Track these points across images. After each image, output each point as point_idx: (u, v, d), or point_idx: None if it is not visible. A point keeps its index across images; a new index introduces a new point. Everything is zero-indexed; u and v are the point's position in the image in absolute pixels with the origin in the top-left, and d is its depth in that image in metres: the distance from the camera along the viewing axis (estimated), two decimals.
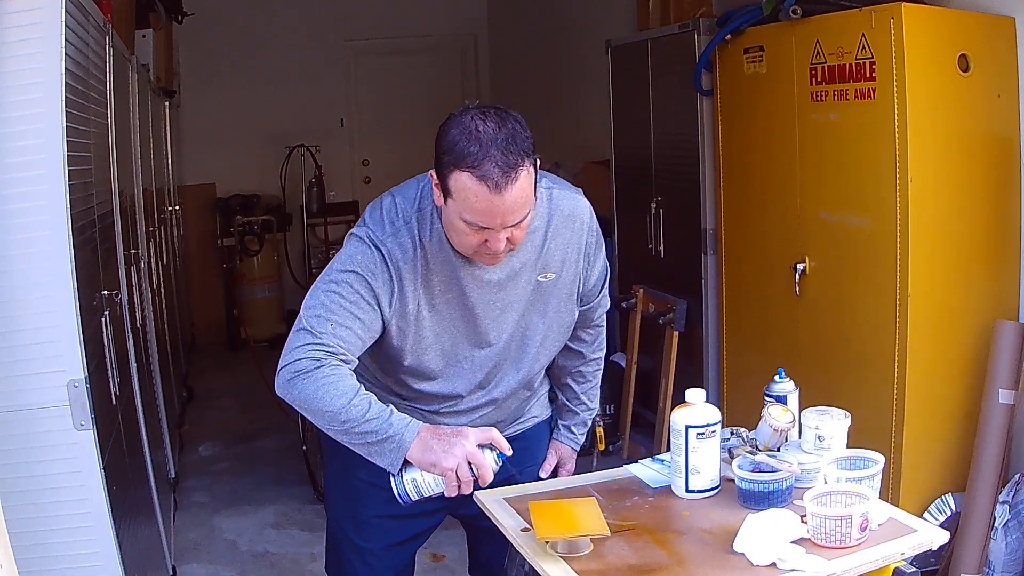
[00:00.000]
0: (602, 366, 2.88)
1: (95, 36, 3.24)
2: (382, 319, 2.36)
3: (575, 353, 2.79)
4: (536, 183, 2.27)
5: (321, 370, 2.25)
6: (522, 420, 2.76)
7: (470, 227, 2.22)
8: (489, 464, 2.24)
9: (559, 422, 2.87)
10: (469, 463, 2.22)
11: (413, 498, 2.30)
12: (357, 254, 2.35)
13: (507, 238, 2.24)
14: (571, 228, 2.50)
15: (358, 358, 2.36)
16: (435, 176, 2.26)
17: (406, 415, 2.30)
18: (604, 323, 2.81)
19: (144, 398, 3.83)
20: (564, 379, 2.84)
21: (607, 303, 2.77)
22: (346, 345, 2.30)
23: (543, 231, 2.46)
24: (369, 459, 2.30)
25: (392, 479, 2.30)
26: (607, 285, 2.72)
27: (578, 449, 2.89)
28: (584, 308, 2.67)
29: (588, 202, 2.58)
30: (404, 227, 2.37)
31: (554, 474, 2.82)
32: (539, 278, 2.48)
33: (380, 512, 2.63)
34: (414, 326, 2.40)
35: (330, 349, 2.28)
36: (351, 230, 2.44)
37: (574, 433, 2.86)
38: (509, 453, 2.29)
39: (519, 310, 2.49)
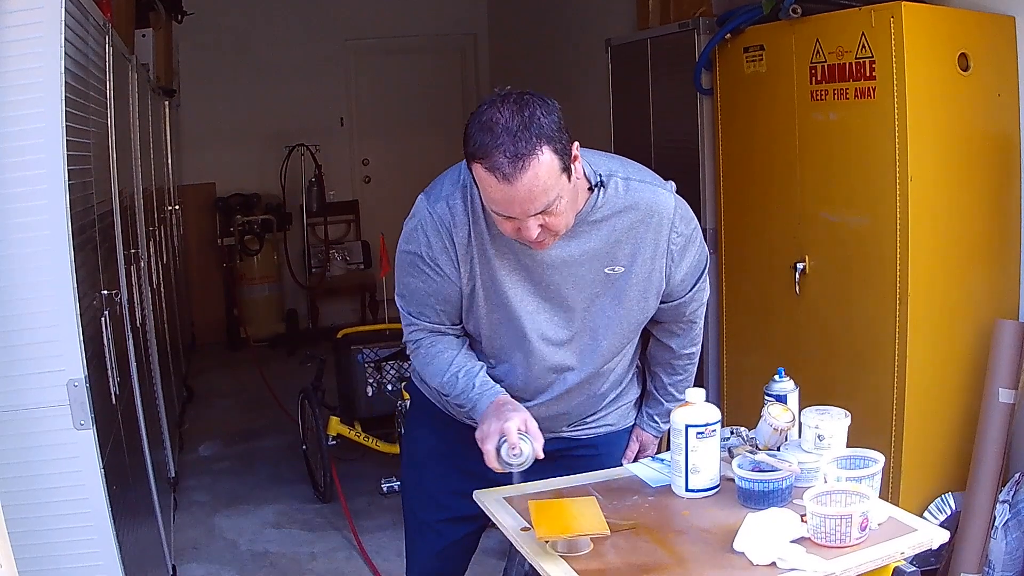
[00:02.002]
0: (696, 361, 2.77)
1: (95, 35, 3.24)
2: (458, 282, 2.41)
3: (665, 347, 2.71)
4: (570, 167, 2.19)
5: (420, 350, 2.53)
6: (593, 423, 2.70)
7: (499, 215, 2.22)
8: (490, 449, 2.31)
9: (644, 408, 2.79)
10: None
11: (508, 469, 2.36)
12: (415, 222, 2.42)
13: (541, 225, 2.20)
14: (646, 223, 2.42)
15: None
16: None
17: (490, 389, 2.44)
18: (700, 319, 2.72)
19: (144, 398, 3.83)
20: (654, 367, 2.76)
21: (703, 297, 2.67)
22: (434, 317, 2.49)
23: (611, 222, 2.39)
24: None
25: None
26: (705, 277, 2.63)
27: (659, 437, 2.85)
28: (672, 303, 2.58)
29: (679, 198, 2.51)
30: (459, 190, 2.37)
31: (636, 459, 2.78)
32: (606, 270, 2.42)
33: (438, 487, 2.74)
34: (473, 293, 2.42)
35: (422, 326, 2.51)
36: (417, 199, 2.47)
37: (656, 422, 2.78)
38: (539, 454, 2.31)
39: (582, 299, 2.44)
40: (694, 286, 2.59)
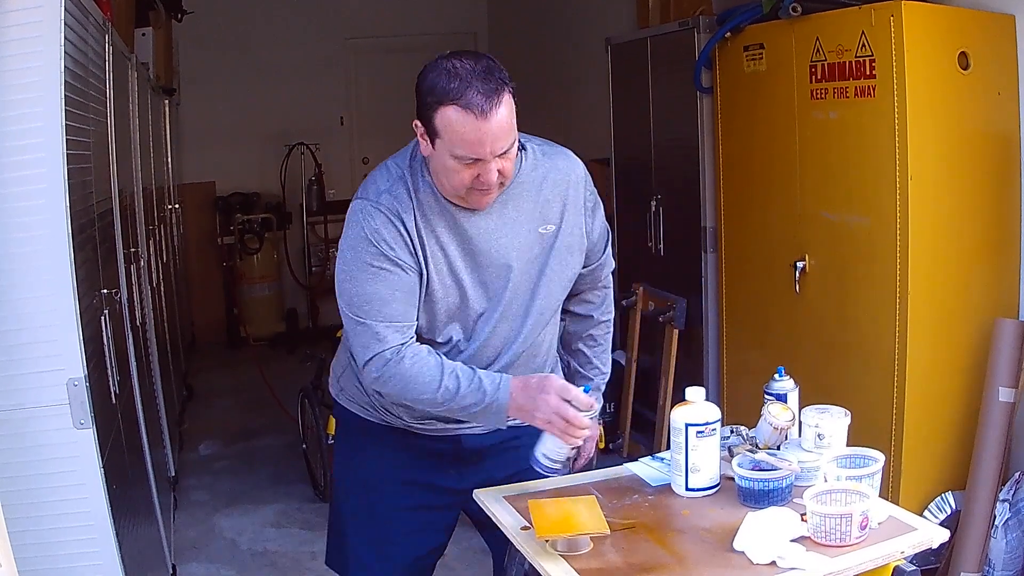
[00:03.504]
0: (611, 330, 2.83)
1: (94, 35, 3.24)
2: (418, 274, 2.38)
3: (584, 317, 2.76)
4: (521, 143, 2.35)
5: (402, 363, 2.34)
6: None
7: (461, 163, 2.26)
8: (575, 413, 2.27)
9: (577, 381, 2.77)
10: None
11: (554, 467, 2.36)
12: (359, 225, 2.37)
13: (499, 170, 2.28)
14: (567, 181, 2.51)
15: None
16: (419, 125, 2.31)
17: (494, 375, 2.36)
18: (611, 285, 2.79)
19: (144, 397, 3.83)
20: (575, 345, 2.79)
21: (611, 263, 2.76)
22: (404, 319, 2.37)
23: (538, 183, 2.47)
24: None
25: (533, 464, 2.37)
26: (609, 245, 2.72)
27: (599, 421, 2.87)
28: (589, 268, 2.65)
29: (580, 160, 2.60)
30: (398, 181, 2.40)
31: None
32: (540, 230, 2.48)
33: (396, 504, 2.65)
34: (426, 277, 2.40)
35: (395, 332, 2.35)
36: (349, 209, 2.44)
37: (599, 389, 2.79)
38: (594, 407, 2.33)
39: (520, 261, 2.46)
40: (605, 248, 2.70)
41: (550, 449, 2.34)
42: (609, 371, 2.85)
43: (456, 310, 2.45)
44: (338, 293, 2.42)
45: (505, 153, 2.28)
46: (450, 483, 2.64)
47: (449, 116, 2.22)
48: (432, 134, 2.28)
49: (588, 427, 2.30)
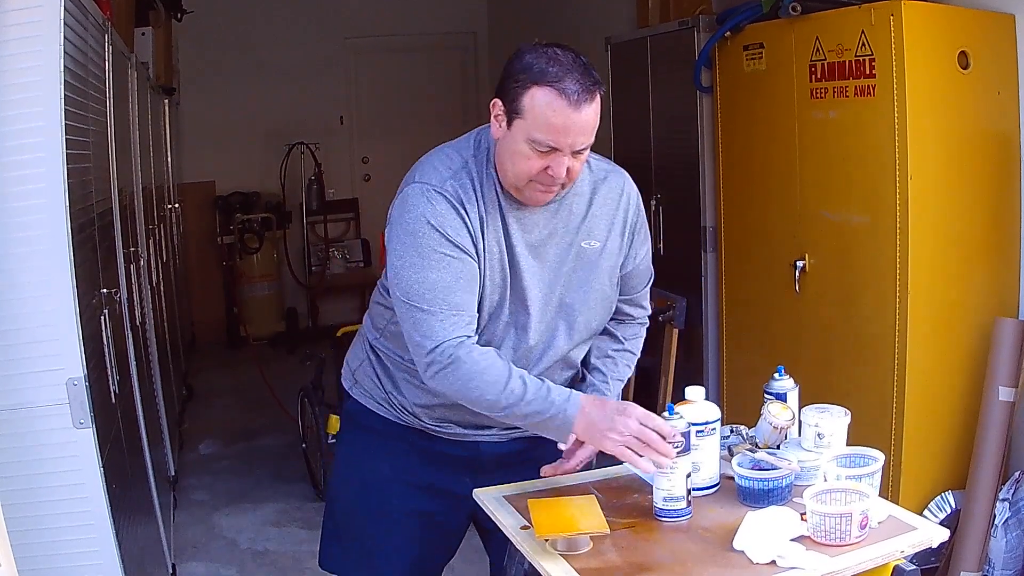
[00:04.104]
0: (633, 364, 2.73)
1: (94, 34, 3.23)
2: (478, 263, 2.33)
3: (613, 337, 2.69)
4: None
5: (470, 355, 2.24)
6: None
7: (537, 149, 2.22)
8: (658, 438, 2.19)
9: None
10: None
11: (679, 506, 2.26)
12: (419, 208, 2.30)
13: (568, 168, 2.24)
14: (617, 200, 2.49)
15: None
16: (499, 104, 2.26)
17: (561, 387, 2.29)
18: (646, 323, 2.74)
19: (144, 396, 3.83)
20: (594, 361, 2.68)
21: (648, 306, 2.72)
22: (468, 308, 2.30)
23: (588, 196, 2.44)
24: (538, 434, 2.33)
25: (658, 516, 2.28)
26: (648, 289, 2.68)
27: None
28: (626, 299, 2.62)
29: (635, 186, 2.58)
30: (462, 169, 2.35)
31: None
32: (583, 244, 2.44)
33: (404, 508, 2.61)
34: (483, 272, 2.36)
35: (460, 322, 2.27)
36: (400, 192, 2.37)
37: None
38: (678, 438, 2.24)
39: (560, 273, 2.43)
40: (645, 286, 2.68)
41: (666, 488, 2.25)
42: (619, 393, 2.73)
43: (497, 309, 2.40)
44: (394, 281, 2.33)
45: (580, 152, 2.25)
46: (463, 490, 2.55)
47: (542, 96, 2.18)
48: (514, 113, 2.23)
49: (671, 456, 2.20)
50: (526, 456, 2.55)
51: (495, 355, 2.29)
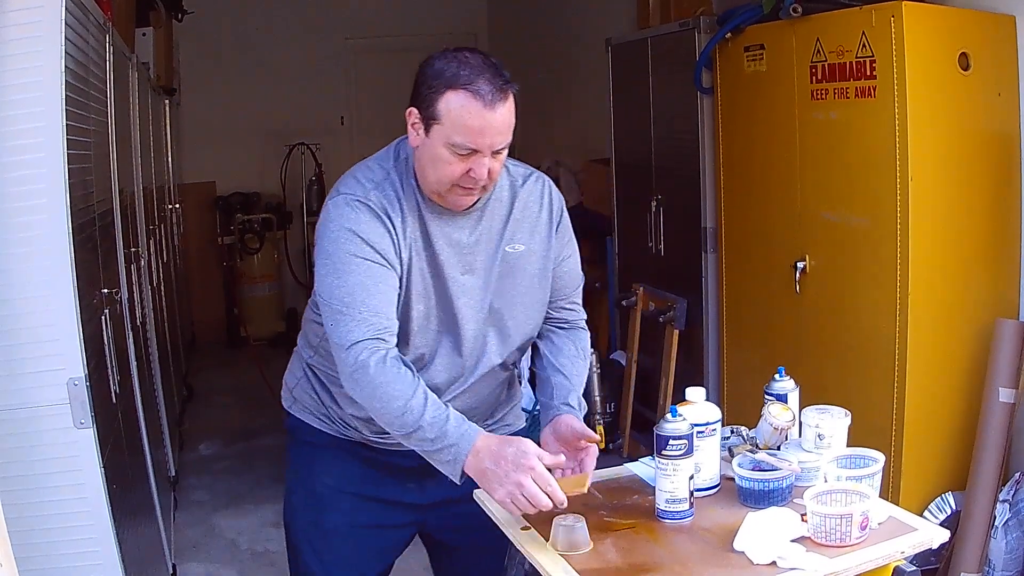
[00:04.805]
0: (586, 367, 2.67)
1: (95, 34, 3.24)
2: (398, 276, 2.33)
3: (556, 347, 2.63)
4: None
5: (384, 365, 2.20)
6: (495, 421, 2.65)
7: (456, 153, 2.23)
8: (548, 503, 2.13)
9: (555, 402, 2.56)
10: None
11: (682, 508, 2.25)
12: (344, 219, 2.31)
13: (489, 169, 2.26)
14: (539, 202, 2.50)
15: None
16: (415, 112, 2.28)
17: (464, 420, 2.22)
18: (587, 335, 2.69)
19: (144, 396, 3.83)
20: (547, 369, 2.62)
21: (582, 308, 2.69)
22: (387, 313, 2.27)
23: (508, 201, 2.46)
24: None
25: (660, 517, 2.26)
26: (580, 295, 2.66)
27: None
28: (560, 304, 2.60)
29: (560, 193, 2.59)
30: (385, 181, 2.37)
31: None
32: (508, 249, 2.45)
33: (348, 520, 2.58)
34: (405, 281, 2.36)
35: (379, 324, 2.24)
36: (325, 204, 2.40)
37: (573, 406, 2.53)
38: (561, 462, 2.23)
39: (490, 280, 2.44)
40: (574, 292, 2.64)
41: (669, 489, 2.24)
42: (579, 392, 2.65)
43: (424, 320, 2.39)
44: (318, 289, 2.33)
45: (499, 153, 2.27)
46: (411, 498, 2.57)
47: (456, 100, 2.20)
48: (431, 119, 2.24)
49: (547, 506, 2.13)
50: None
51: (407, 372, 2.23)
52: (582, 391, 2.60)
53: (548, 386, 2.56)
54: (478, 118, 2.20)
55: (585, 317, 2.70)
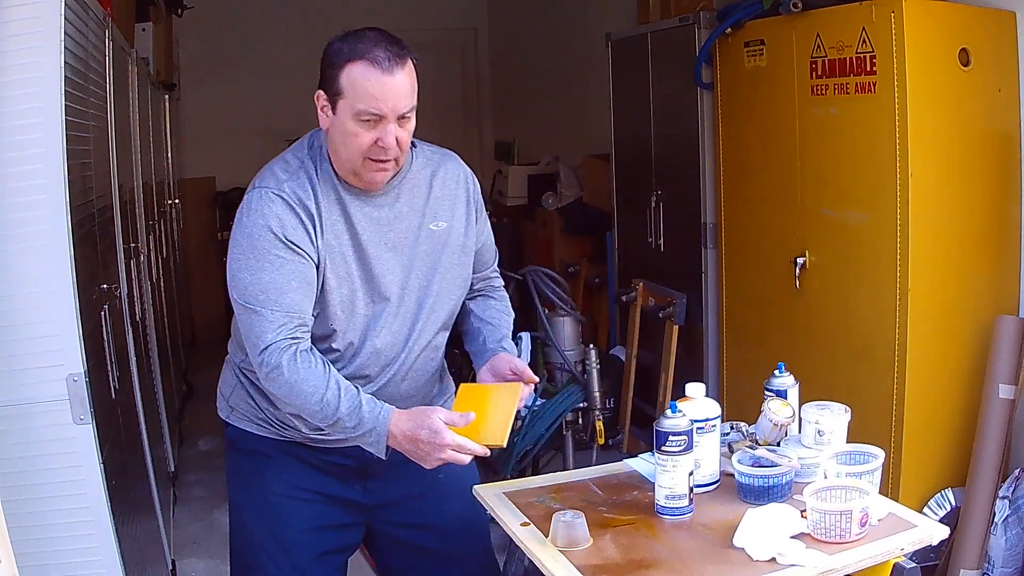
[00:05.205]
0: (511, 321, 2.76)
1: (95, 30, 3.23)
2: (315, 264, 2.36)
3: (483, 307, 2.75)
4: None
5: (295, 361, 2.28)
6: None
7: (362, 124, 2.30)
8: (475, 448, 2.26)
9: (489, 344, 2.65)
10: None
11: (681, 503, 2.29)
12: (258, 212, 2.35)
13: (397, 138, 2.31)
14: (456, 180, 2.57)
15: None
16: (322, 95, 2.37)
17: (375, 402, 2.31)
18: (508, 299, 2.80)
19: (143, 392, 3.83)
20: (476, 324, 2.70)
21: (501, 280, 2.82)
22: (301, 310, 2.33)
23: (427, 179, 2.52)
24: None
25: (659, 512, 2.31)
26: (496, 260, 2.79)
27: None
28: (481, 276, 2.71)
29: (468, 167, 2.68)
30: (299, 170, 2.42)
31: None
32: (431, 227, 2.50)
33: (302, 526, 2.57)
34: (325, 268, 2.38)
35: (291, 323, 2.31)
36: (244, 199, 2.43)
37: (507, 349, 2.62)
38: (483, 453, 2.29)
39: (414, 257, 2.47)
40: (493, 261, 2.77)
41: (668, 486, 2.26)
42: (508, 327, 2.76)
43: (350, 304, 2.41)
44: (231, 284, 2.38)
45: (405, 118, 2.32)
46: (355, 496, 2.58)
47: (355, 71, 2.28)
48: (335, 95, 2.32)
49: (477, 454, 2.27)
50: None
51: (318, 362, 2.31)
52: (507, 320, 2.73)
53: (480, 335, 2.66)
54: (377, 84, 2.27)
55: (503, 283, 2.82)
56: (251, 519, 2.63)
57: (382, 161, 2.34)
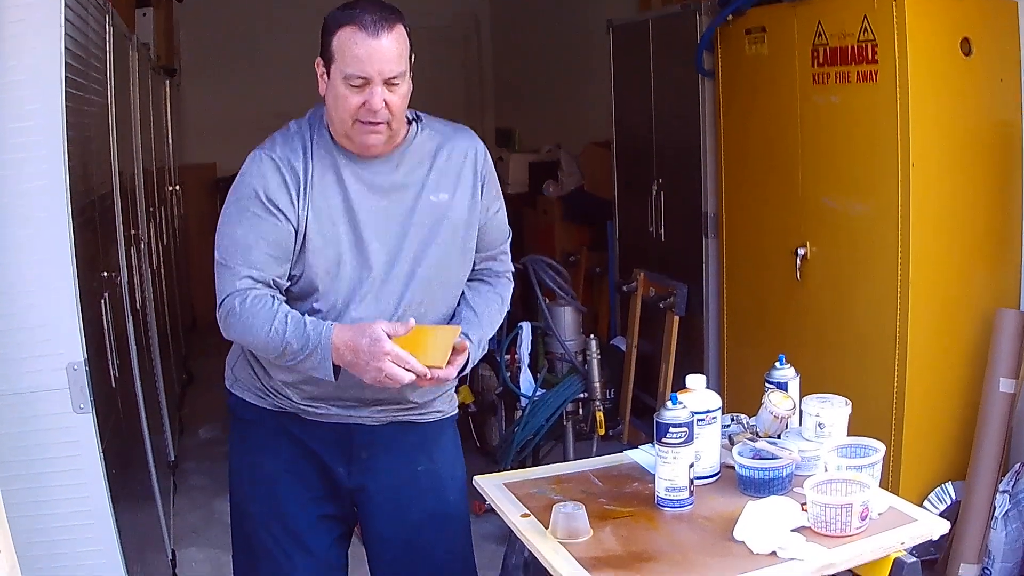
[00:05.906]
0: (501, 311, 2.69)
1: (95, 15, 3.23)
2: (294, 226, 2.38)
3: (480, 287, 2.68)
4: (410, 59, 2.40)
5: (244, 304, 2.35)
6: (422, 408, 2.62)
7: (351, 85, 2.34)
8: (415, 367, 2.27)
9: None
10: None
11: (681, 496, 2.29)
12: (247, 173, 2.42)
13: (386, 101, 2.34)
14: (464, 153, 2.56)
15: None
16: (320, 62, 2.43)
17: (319, 321, 2.35)
18: (511, 280, 2.74)
19: (143, 381, 3.82)
20: (459, 307, 2.63)
21: (510, 262, 2.74)
22: (264, 267, 2.38)
23: (432, 152, 2.52)
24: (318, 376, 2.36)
25: (659, 504, 2.30)
26: (508, 247, 2.71)
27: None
28: (487, 255, 2.64)
29: (483, 144, 2.66)
30: (296, 134, 2.48)
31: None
32: (431, 198, 2.49)
33: (296, 495, 2.59)
34: (304, 231, 2.40)
35: (251, 278, 2.37)
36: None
37: (471, 340, 2.49)
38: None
39: (408, 226, 2.46)
40: (503, 244, 2.70)
41: (668, 477, 2.27)
42: (489, 335, 2.67)
43: (336, 265, 2.42)
44: (219, 224, 2.45)
45: (393, 82, 2.34)
46: (340, 478, 2.59)
47: (344, 35, 2.34)
48: (329, 61, 2.38)
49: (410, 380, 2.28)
50: (399, 441, 2.58)
51: (267, 299, 2.36)
52: (491, 335, 2.65)
53: (457, 319, 2.59)
54: (363, 46, 2.32)
55: (512, 270, 2.75)
56: (252, 505, 2.68)
57: (372, 124, 2.36)
